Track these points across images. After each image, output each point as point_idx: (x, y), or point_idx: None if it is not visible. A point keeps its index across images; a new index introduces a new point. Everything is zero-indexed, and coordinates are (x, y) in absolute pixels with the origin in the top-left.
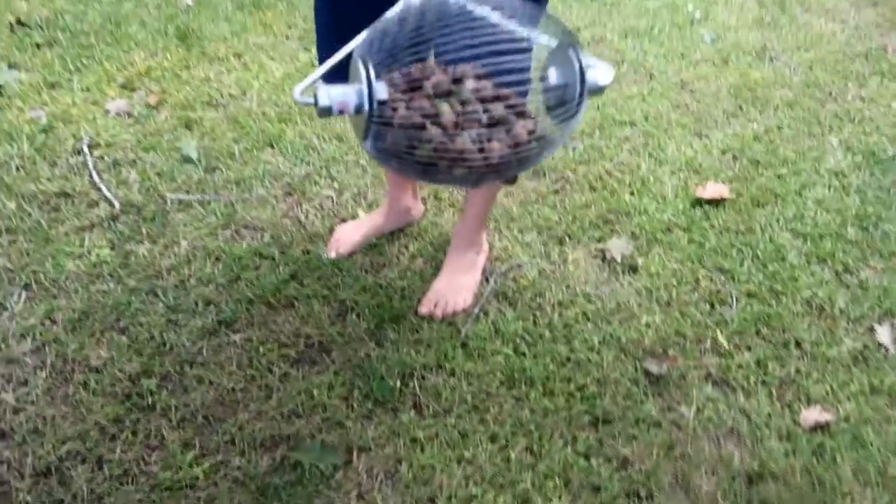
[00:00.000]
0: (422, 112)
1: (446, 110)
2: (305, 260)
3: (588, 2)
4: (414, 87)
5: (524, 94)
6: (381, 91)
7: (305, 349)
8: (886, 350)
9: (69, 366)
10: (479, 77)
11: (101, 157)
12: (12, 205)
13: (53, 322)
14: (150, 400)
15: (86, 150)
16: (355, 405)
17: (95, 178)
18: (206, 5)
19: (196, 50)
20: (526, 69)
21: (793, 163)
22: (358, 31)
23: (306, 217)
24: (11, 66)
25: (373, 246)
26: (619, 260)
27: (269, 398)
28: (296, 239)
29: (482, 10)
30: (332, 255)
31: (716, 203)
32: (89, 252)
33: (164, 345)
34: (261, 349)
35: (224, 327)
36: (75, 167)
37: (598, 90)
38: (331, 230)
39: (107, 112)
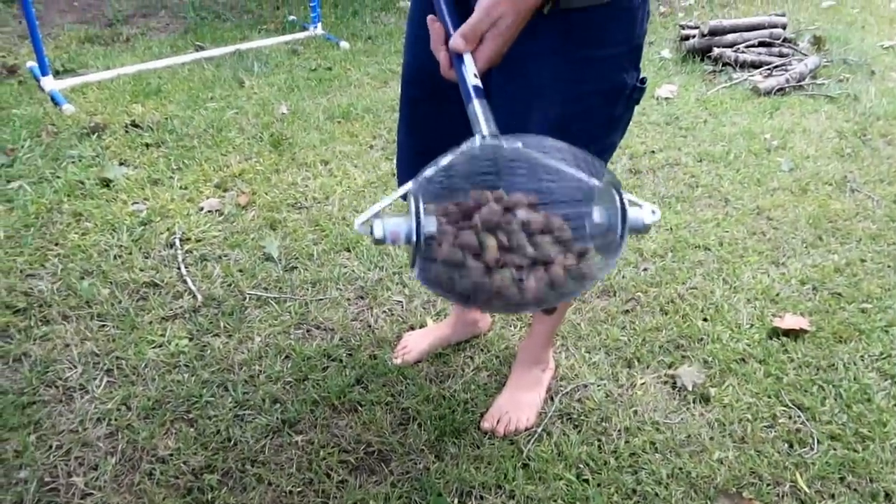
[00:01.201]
0: (466, 248)
1: (491, 246)
2: (372, 365)
3: (663, 125)
4: (465, 216)
5: (576, 228)
6: (430, 225)
7: (365, 456)
8: None
9: (138, 454)
10: (531, 206)
11: (190, 252)
12: (106, 291)
13: (129, 408)
14: (209, 496)
15: (177, 243)
16: None
17: (183, 270)
18: (300, 115)
19: (287, 156)
20: (579, 201)
21: (878, 298)
22: (431, 152)
23: (376, 321)
24: (122, 163)
25: (438, 355)
26: (690, 388)
27: None
28: (364, 343)
29: (546, 159)
30: (398, 361)
31: (795, 335)
32: (169, 342)
33: (230, 440)
34: (321, 453)
35: (288, 427)
36: (166, 259)
37: (643, 229)
38: (399, 336)
39: (200, 209)
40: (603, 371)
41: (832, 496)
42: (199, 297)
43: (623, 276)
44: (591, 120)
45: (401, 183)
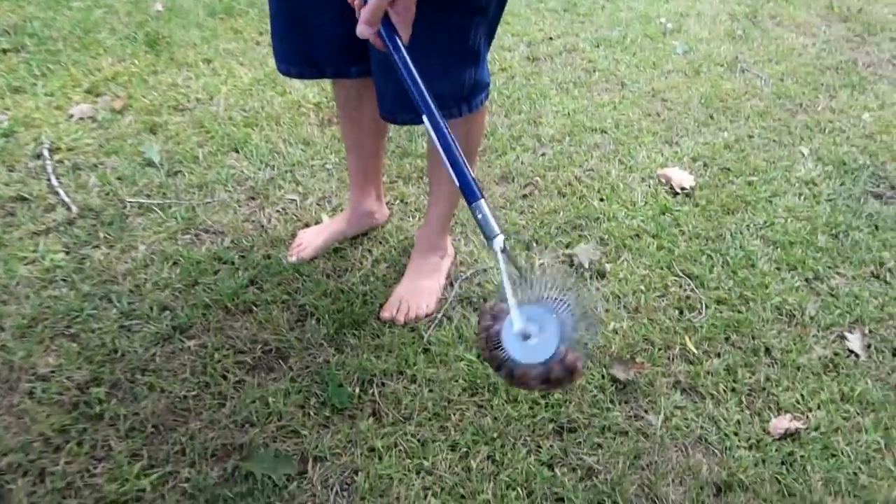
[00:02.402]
0: None
1: None
2: (266, 265)
3: (561, 12)
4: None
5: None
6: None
7: (262, 356)
8: (857, 357)
9: (15, 374)
10: None
11: (61, 162)
12: None
13: (2, 328)
14: (98, 409)
15: (46, 154)
16: (312, 413)
17: (54, 182)
18: (178, 12)
19: (165, 56)
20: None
21: (763, 171)
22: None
23: (269, 221)
24: None
25: (335, 250)
26: (586, 265)
27: (223, 406)
28: (257, 243)
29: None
30: (294, 259)
31: (684, 201)
32: (43, 257)
33: (116, 352)
34: (216, 356)
35: (179, 333)
36: (34, 171)
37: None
38: (293, 235)
39: (70, 117)
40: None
41: (718, 355)
42: (74, 208)
43: (521, 162)
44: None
45: (276, 57)
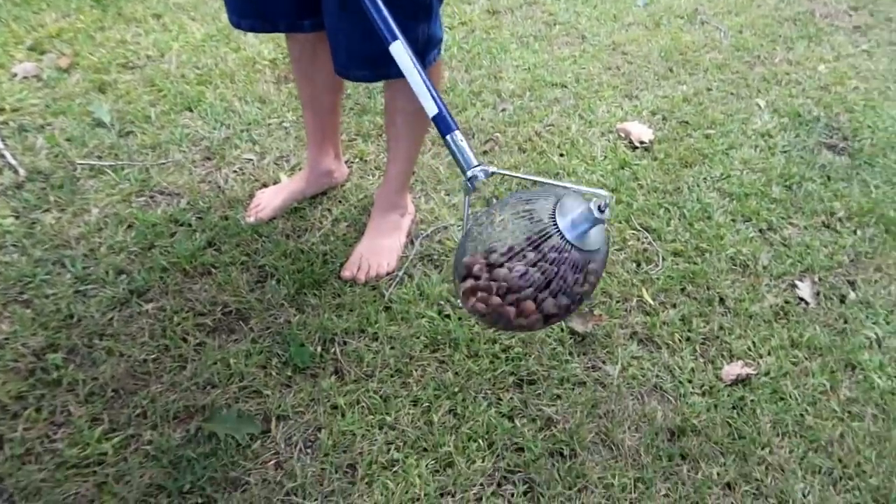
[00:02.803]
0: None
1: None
2: (224, 226)
3: None
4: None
5: None
6: None
7: (222, 317)
8: (807, 305)
9: None
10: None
11: (6, 123)
12: None
13: None
14: (55, 375)
15: None
16: (274, 373)
17: None
18: None
19: (112, 11)
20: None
21: (721, 124)
22: None
23: (225, 182)
24: None
25: (294, 210)
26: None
27: (183, 369)
28: (214, 204)
29: None
30: (252, 220)
31: (643, 155)
32: None
33: (72, 317)
34: (175, 318)
35: (136, 297)
36: None
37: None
38: (251, 195)
39: (13, 76)
40: (462, 212)
41: (674, 305)
42: (22, 171)
43: (482, 118)
44: None
45: (228, 9)
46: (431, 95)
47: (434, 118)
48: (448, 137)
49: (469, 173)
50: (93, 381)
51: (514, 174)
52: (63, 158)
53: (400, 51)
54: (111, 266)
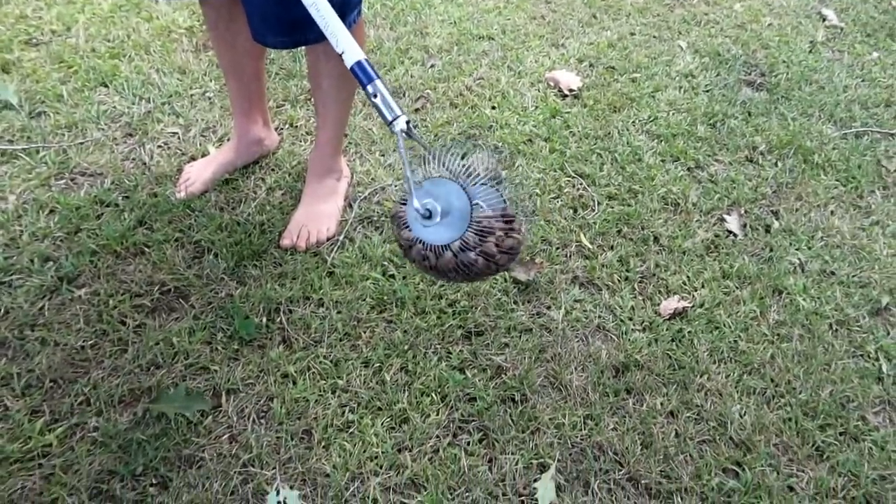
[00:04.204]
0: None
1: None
2: (153, 203)
3: None
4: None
5: None
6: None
7: (161, 297)
8: (735, 237)
9: None
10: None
11: None
12: None
13: None
14: None
15: None
16: (220, 348)
17: None
18: None
19: None
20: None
21: (645, 67)
22: None
23: (151, 158)
24: None
25: (226, 182)
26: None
27: (125, 352)
28: (141, 182)
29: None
30: (182, 195)
31: (573, 103)
32: None
33: None
34: (110, 302)
35: (66, 283)
36: None
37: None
38: (179, 170)
39: None
40: (399, 171)
41: (611, 247)
42: None
43: (411, 76)
44: None
45: None
46: (349, 43)
47: (352, 67)
48: (369, 87)
49: (398, 124)
50: (28, 374)
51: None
52: None
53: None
54: (35, 254)
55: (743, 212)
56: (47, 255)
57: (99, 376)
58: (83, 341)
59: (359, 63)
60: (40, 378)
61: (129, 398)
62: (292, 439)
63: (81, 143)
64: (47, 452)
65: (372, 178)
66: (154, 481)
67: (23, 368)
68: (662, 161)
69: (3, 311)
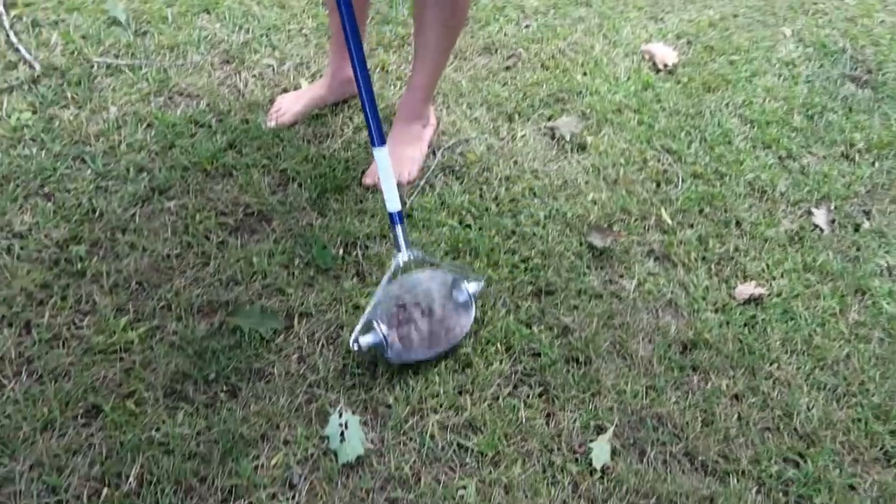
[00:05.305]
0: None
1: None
2: (244, 129)
3: None
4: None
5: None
6: (388, 335)
7: (244, 218)
8: (821, 231)
9: None
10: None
11: (19, 18)
12: None
13: None
14: (79, 266)
15: (1, 9)
16: (296, 273)
17: (13, 38)
18: None
19: None
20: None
21: (745, 51)
22: None
23: (245, 86)
24: None
25: (315, 117)
26: (567, 138)
27: (207, 265)
28: (234, 107)
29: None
30: (273, 124)
31: (667, 78)
32: (9, 116)
33: (94, 211)
34: (197, 217)
35: (157, 194)
36: None
37: (475, 294)
38: (271, 100)
39: None
40: (484, 125)
41: (691, 226)
42: (38, 66)
43: (504, 34)
44: None
45: None
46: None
47: (391, 213)
48: (396, 227)
49: (401, 256)
50: (117, 274)
51: (431, 259)
52: (79, 55)
53: (383, 156)
54: (131, 163)
55: (832, 207)
56: (142, 165)
57: (181, 285)
58: (169, 250)
59: (399, 211)
60: (127, 279)
61: (208, 309)
62: (358, 368)
63: (181, 65)
64: (129, 348)
65: (457, 130)
66: (225, 388)
67: (112, 268)
68: (753, 147)
69: (97, 213)
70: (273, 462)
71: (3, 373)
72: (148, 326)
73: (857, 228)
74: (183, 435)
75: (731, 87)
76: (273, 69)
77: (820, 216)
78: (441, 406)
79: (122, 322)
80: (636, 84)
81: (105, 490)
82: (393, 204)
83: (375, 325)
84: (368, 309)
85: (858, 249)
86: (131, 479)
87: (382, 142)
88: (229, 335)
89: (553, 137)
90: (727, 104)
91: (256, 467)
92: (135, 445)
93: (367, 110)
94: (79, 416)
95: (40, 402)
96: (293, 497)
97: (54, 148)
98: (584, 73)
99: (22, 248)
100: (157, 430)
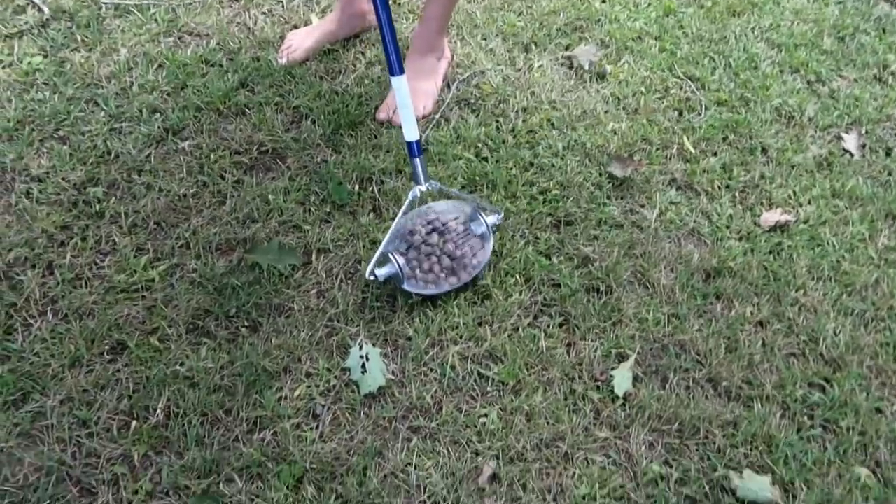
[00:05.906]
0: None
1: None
2: (256, 67)
3: None
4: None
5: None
6: (404, 267)
7: (259, 156)
8: (851, 156)
9: (9, 175)
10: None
11: None
12: None
13: None
14: (97, 207)
15: None
16: (313, 209)
17: None
18: None
19: None
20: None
21: None
22: None
23: (255, 23)
24: None
25: (327, 52)
26: (586, 67)
27: (223, 204)
28: (244, 45)
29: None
30: (284, 61)
31: (689, 3)
32: (20, 60)
33: (109, 153)
34: (212, 156)
35: (171, 135)
36: None
37: (495, 227)
38: (282, 37)
39: None
40: (500, 57)
41: (714, 154)
42: (46, 10)
43: None
44: None
45: None
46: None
47: (409, 143)
48: (415, 158)
49: (419, 188)
50: (135, 214)
51: (449, 190)
52: None
53: (402, 84)
54: (144, 104)
55: (864, 132)
56: (155, 106)
57: (199, 223)
58: (185, 189)
59: (417, 141)
60: (145, 219)
61: (226, 247)
62: (377, 301)
63: (190, 4)
64: (150, 287)
65: (472, 62)
66: (246, 323)
67: (130, 209)
68: (780, 71)
69: (113, 154)
70: (296, 394)
71: (29, 312)
72: (168, 265)
73: (888, 153)
74: (207, 369)
75: (757, 9)
76: (282, 5)
77: (850, 141)
78: (461, 337)
79: (143, 261)
80: (657, 10)
81: (134, 423)
82: (411, 133)
83: (392, 256)
84: (385, 240)
85: (890, 174)
86: (158, 411)
87: (402, 70)
88: (248, 272)
89: (571, 67)
90: (753, 28)
91: (280, 399)
92: (160, 380)
93: (386, 36)
94: (105, 353)
95: (67, 340)
96: (317, 427)
97: (67, 91)
98: (603, 1)
99: (41, 192)
100: (182, 364)
